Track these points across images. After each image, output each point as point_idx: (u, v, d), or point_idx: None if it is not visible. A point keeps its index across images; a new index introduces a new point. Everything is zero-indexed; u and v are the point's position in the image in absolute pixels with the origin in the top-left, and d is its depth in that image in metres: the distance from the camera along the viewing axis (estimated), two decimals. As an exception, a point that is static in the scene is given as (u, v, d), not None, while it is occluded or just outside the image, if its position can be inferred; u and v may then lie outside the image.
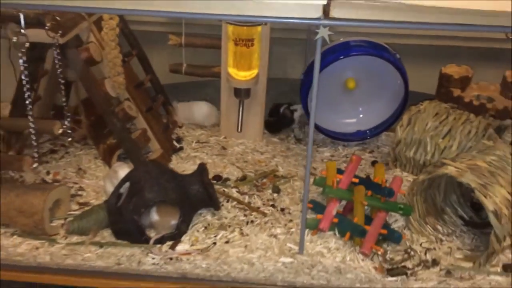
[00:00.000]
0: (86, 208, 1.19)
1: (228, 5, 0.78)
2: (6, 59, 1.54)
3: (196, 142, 1.50)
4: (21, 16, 0.89)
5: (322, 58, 1.37)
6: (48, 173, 1.31)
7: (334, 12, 0.77)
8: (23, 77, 1.01)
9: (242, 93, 1.40)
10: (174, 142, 1.48)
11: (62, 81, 1.13)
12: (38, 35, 0.99)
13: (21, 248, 1.09)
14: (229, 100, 1.47)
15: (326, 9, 0.78)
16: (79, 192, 1.26)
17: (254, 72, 1.37)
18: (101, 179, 1.31)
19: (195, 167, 1.31)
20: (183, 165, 1.39)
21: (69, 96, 1.43)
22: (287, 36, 1.60)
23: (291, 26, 1.54)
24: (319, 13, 0.78)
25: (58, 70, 1.11)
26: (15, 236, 1.11)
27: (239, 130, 1.43)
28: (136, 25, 1.47)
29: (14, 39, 0.94)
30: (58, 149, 1.44)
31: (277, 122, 1.55)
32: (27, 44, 0.97)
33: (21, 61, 0.99)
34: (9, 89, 1.62)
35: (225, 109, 1.50)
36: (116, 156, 1.33)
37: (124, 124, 1.25)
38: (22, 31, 0.93)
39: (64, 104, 1.18)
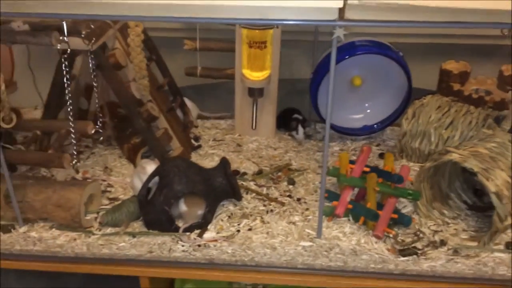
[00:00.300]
0: (116, 203, 1.28)
1: (253, 10, 0.87)
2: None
3: (212, 140, 1.59)
4: (64, 25, 0.99)
5: (329, 58, 1.48)
6: (77, 171, 1.40)
7: (348, 14, 0.86)
8: (66, 82, 1.10)
9: (256, 93, 1.49)
10: (192, 141, 1.57)
11: (95, 85, 1.22)
12: (75, 42, 1.08)
13: (60, 240, 1.18)
14: (243, 100, 1.56)
15: (341, 12, 0.87)
16: (108, 189, 1.35)
17: (267, 73, 1.47)
18: (127, 176, 1.40)
19: (213, 164, 1.41)
20: (202, 161, 1.48)
21: (91, 99, 1.53)
22: (294, 38, 1.69)
23: (299, 28, 1.63)
24: (335, 16, 0.87)
25: (92, 75, 1.19)
26: (53, 229, 1.20)
27: (254, 127, 1.52)
28: (154, 31, 1.56)
29: (58, 46, 1.03)
30: (84, 150, 1.53)
31: (282, 124, 1.64)
32: (68, 51, 1.05)
33: (63, 66, 1.08)
34: (28, 95, 1.71)
35: (239, 108, 1.59)
36: (140, 155, 1.42)
37: (148, 124, 1.34)
38: (65, 39, 1.02)
39: (97, 106, 1.27)
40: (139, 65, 1.26)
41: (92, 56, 1.15)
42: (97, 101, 1.27)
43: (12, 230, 1.19)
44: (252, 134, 1.60)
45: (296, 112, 1.61)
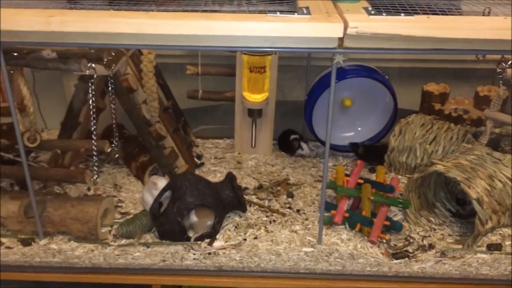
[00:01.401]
0: (128, 217, 1.36)
1: (262, 39, 1.00)
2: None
3: (214, 158, 1.70)
4: (93, 53, 1.09)
5: (322, 81, 1.62)
6: (89, 189, 1.49)
7: (347, 42, 0.99)
8: (91, 105, 1.20)
9: (255, 113, 1.61)
10: (195, 159, 1.67)
11: (113, 107, 1.32)
12: (98, 68, 1.19)
13: (78, 251, 1.26)
14: (242, 120, 1.68)
15: (340, 40, 1.00)
16: (119, 204, 1.44)
17: (265, 95, 1.59)
18: (136, 192, 1.49)
19: (216, 180, 1.52)
20: (206, 178, 1.58)
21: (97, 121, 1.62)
22: (289, 64, 1.83)
23: (294, 55, 1.77)
24: (335, 44, 1.00)
25: (111, 98, 1.30)
26: (71, 241, 1.28)
27: (253, 145, 1.63)
28: (158, 58, 1.67)
29: (87, 72, 1.13)
30: (92, 169, 1.61)
31: (284, 147, 1.73)
32: (95, 76, 1.16)
33: (89, 90, 1.18)
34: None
35: (238, 128, 1.70)
36: (148, 172, 1.52)
37: (158, 143, 1.44)
38: (93, 65, 1.12)
39: (113, 126, 1.37)
40: (151, 88, 1.37)
41: (112, 81, 1.26)
42: (114, 121, 1.36)
43: (32, 243, 1.26)
44: (250, 152, 1.72)
45: (292, 133, 1.73)
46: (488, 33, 0.94)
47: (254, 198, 1.47)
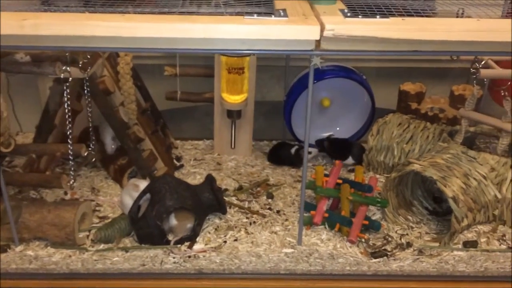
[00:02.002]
0: (106, 221, 1.35)
1: (240, 42, 1.00)
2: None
3: (193, 160, 1.69)
4: (68, 56, 1.08)
5: (301, 82, 1.63)
6: (66, 193, 1.46)
7: (324, 45, 1.00)
8: (66, 109, 1.18)
9: (234, 114, 1.61)
10: (175, 161, 1.66)
11: (89, 110, 1.30)
12: (74, 71, 1.17)
13: (55, 257, 1.24)
14: (221, 121, 1.68)
15: (317, 42, 1.01)
16: (97, 208, 1.42)
17: (244, 96, 1.59)
18: (114, 196, 1.47)
19: (196, 182, 1.51)
20: (185, 180, 1.56)
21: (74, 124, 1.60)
22: (267, 64, 1.83)
23: (272, 55, 1.77)
24: (312, 46, 1.00)
25: (87, 101, 1.28)
26: (48, 247, 1.25)
27: (233, 146, 1.63)
28: (136, 59, 1.65)
29: (62, 75, 1.11)
30: (69, 173, 1.59)
31: (282, 159, 1.67)
32: (70, 79, 1.14)
33: (65, 93, 1.16)
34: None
35: (217, 129, 1.70)
36: (127, 175, 1.50)
37: (136, 145, 1.43)
38: (68, 68, 1.10)
39: (90, 129, 1.35)
40: (128, 91, 1.36)
41: (87, 84, 1.24)
42: (90, 125, 1.34)
43: (8, 249, 1.24)
44: (230, 153, 1.71)
45: (287, 146, 1.67)
46: (462, 35, 0.96)
47: (234, 200, 1.47)
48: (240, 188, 1.53)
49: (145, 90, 1.68)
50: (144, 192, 1.28)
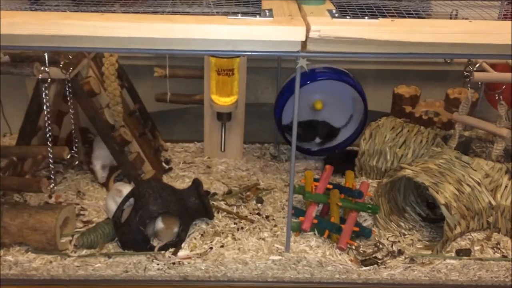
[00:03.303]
0: (90, 225, 1.31)
1: (224, 43, 0.96)
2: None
3: (182, 163, 1.66)
4: (46, 56, 1.04)
5: (292, 83, 1.59)
6: (50, 197, 1.43)
7: (310, 46, 0.96)
8: (45, 110, 1.15)
9: (224, 117, 1.57)
10: (163, 164, 1.63)
11: (72, 112, 1.27)
12: (54, 72, 1.14)
13: (36, 263, 1.20)
14: (212, 124, 1.64)
15: (303, 44, 0.97)
16: (81, 212, 1.38)
17: (234, 98, 1.55)
18: (100, 200, 1.44)
19: (184, 185, 1.48)
20: (174, 183, 1.53)
21: (62, 126, 1.57)
22: (259, 66, 1.80)
23: (264, 56, 1.73)
24: (298, 48, 0.97)
25: (69, 102, 1.25)
26: (29, 253, 1.22)
27: (222, 150, 1.60)
28: (124, 60, 1.62)
29: (40, 76, 1.08)
30: (55, 176, 1.55)
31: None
32: (49, 80, 1.11)
33: (43, 95, 1.13)
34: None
35: (208, 131, 1.67)
36: (113, 178, 1.47)
37: (122, 148, 1.39)
38: (46, 69, 1.07)
39: (73, 131, 1.32)
40: (113, 92, 1.33)
41: (69, 84, 1.21)
42: (73, 127, 1.31)
43: (-13, 255, 1.20)
44: (220, 156, 1.68)
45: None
46: (452, 37, 0.92)
47: (222, 204, 1.43)
48: (229, 192, 1.50)
49: (134, 92, 1.65)
50: (127, 197, 1.25)
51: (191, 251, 1.24)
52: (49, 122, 1.15)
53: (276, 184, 1.54)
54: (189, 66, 1.68)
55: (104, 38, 0.93)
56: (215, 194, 1.49)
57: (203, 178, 1.57)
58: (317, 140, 1.65)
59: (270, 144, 1.78)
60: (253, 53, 0.98)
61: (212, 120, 1.63)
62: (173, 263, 1.20)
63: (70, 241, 1.27)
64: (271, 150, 1.76)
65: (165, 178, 1.56)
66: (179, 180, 1.56)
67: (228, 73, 1.49)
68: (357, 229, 1.27)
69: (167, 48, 0.96)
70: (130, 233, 1.20)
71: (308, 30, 0.94)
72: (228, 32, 0.94)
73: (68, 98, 1.23)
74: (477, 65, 1.25)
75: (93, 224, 1.31)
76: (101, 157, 1.47)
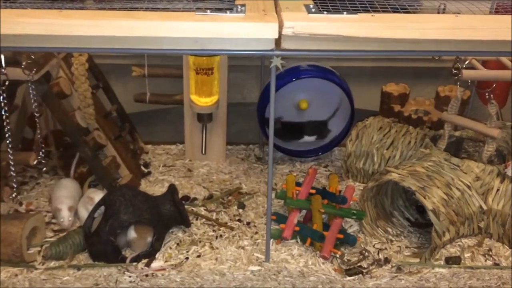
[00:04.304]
0: (61, 234, 1.24)
1: (191, 41, 0.89)
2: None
3: (163, 166, 1.59)
4: (1, 56, 0.97)
5: (275, 82, 1.52)
6: (20, 204, 1.36)
7: (285, 44, 0.90)
8: (4, 115, 1.08)
9: (204, 118, 1.50)
10: (142, 167, 1.56)
11: (37, 115, 1.20)
12: (15, 73, 1.07)
13: (1, 276, 1.13)
14: (192, 125, 1.57)
15: (277, 42, 0.90)
16: (53, 220, 1.31)
17: (215, 98, 1.48)
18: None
19: (163, 190, 1.41)
20: (152, 188, 1.47)
21: (36, 129, 1.50)
22: (243, 64, 1.73)
23: (243, 55, 1.67)
24: (272, 46, 0.90)
25: (34, 105, 1.18)
26: (-7, 265, 1.15)
27: (203, 152, 1.53)
28: (101, 58, 1.55)
29: (-5, 78, 1.01)
30: (28, 181, 1.48)
31: None
32: (6, 82, 1.04)
33: (1, 98, 1.06)
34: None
35: (188, 133, 1.60)
36: (87, 184, 1.40)
37: (94, 152, 1.32)
38: (3, 70, 1.00)
39: (39, 136, 1.25)
40: (84, 93, 1.26)
41: (33, 86, 1.13)
42: (38, 131, 1.24)
43: (-51, 268, 1.14)
44: (202, 159, 1.61)
45: None
46: (437, 33, 0.85)
47: (202, 210, 1.37)
48: (210, 197, 1.43)
49: (111, 92, 1.58)
50: (98, 205, 1.18)
51: (166, 261, 1.17)
52: (9, 126, 1.07)
53: (260, 188, 1.48)
54: (168, 65, 1.61)
55: (61, 37, 0.86)
56: (195, 199, 1.42)
57: (183, 182, 1.50)
58: (307, 138, 1.58)
59: (255, 145, 1.72)
60: (223, 52, 0.91)
61: (192, 121, 1.56)
62: (146, 275, 1.13)
63: (39, 251, 1.20)
64: (256, 151, 1.69)
65: (144, 183, 1.50)
66: (158, 184, 1.49)
67: (207, 72, 1.42)
68: (341, 236, 1.20)
69: (130, 47, 0.89)
70: (99, 244, 1.13)
71: (281, 26, 0.87)
72: (195, 30, 0.87)
73: (32, 101, 1.16)
74: (466, 62, 1.18)
75: (64, 234, 1.24)
76: (65, 199, 1.28)
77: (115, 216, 1.13)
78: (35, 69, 1.10)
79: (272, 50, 0.91)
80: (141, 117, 1.73)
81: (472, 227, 1.21)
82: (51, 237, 1.25)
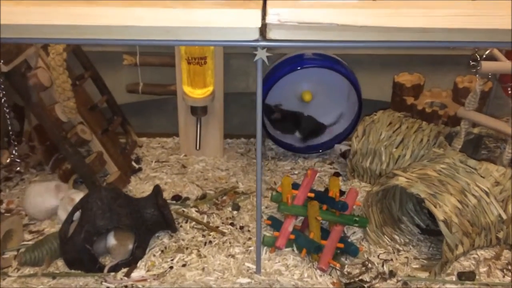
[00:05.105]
0: (41, 237, 1.16)
1: (163, 31, 0.78)
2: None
3: (155, 162, 1.49)
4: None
5: (277, 69, 1.40)
6: (1, 202, 1.28)
7: (271, 34, 0.77)
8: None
9: (198, 111, 1.39)
10: (133, 163, 1.46)
11: (6, 110, 1.11)
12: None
13: (-30, 284, 1.06)
14: (187, 117, 1.46)
15: (263, 31, 0.78)
16: (32, 221, 1.23)
17: (209, 89, 1.37)
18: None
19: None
20: (142, 186, 1.37)
21: (24, 120, 1.41)
22: (247, 51, 1.59)
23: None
24: (256, 36, 0.77)
25: (3, 99, 1.08)
26: (-37, 272, 1.08)
27: (197, 148, 1.42)
28: (89, 46, 1.45)
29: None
30: (13, 176, 1.40)
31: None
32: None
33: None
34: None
35: (183, 126, 1.49)
36: (72, 181, 1.30)
37: (76, 149, 1.23)
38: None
39: (10, 132, 1.16)
40: (62, 86, 1.15)
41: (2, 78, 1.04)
42: (10, 128, 1.15)
43: None
44: (198, 154, 1.50)
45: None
46: (448, 20, 0.71)
47: (193, 211, 1.26)
48: (203, 197, 1.32)
49: (101, 82, 1.48)
50: (76, 208, 1.09)
51: (148, 271, 1.08)
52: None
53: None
54: (162, 52, 1.49)
55: (11, 27, 0.75)
56: (187, 199, 1.32)
57: (176, 179, 1.40)
58: (297, 134, 1.47)
59: (257, 138, 1.60)
60: (199, 43, 0.79)
61: (187, 113, 1.45)
62: (125, 286, 1.04)
63: (15, 256, 1.12)
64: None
65: (133, 180, 1.40)
66: (149, 182, 1.39)
67: (200, 62, 1.30)
68: (342, 245, 1.09)
69: (91, 37, 0.77)
70: (74, 252, 1.04)
71: (265, 14, 0.75)
72: (165, 18, 0.75)
73: (1, 95, 1.06)
74: (486, 52, 1.03)
75: (42, 237, 1.15)
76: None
77: (91, 222, 1.03)
78: (2, 61, 1.00)
79: (256, 40, 0.78)
80: (134, 108, 1.63)
81: (490, 238, 1.08)
82: (29, 241, 1.16)
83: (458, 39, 0.75)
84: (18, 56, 1.11)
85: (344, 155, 1.41)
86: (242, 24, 0.74)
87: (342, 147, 1.41)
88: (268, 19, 0.74)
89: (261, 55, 0.79)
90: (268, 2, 0.76)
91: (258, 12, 0.73)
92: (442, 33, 0.74)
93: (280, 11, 0.73)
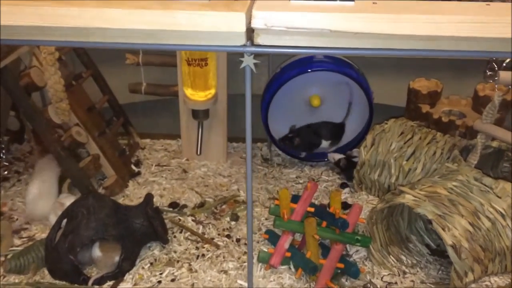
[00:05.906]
0: (30, 243, 1.12)
1: (144, 34, 0.71)
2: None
3: (156, 166, 1.43)
4: None
5: (283, 73, 1.32)
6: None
7: (259, 39, 0.70)
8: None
9: (200, 115, 1.33)
10: (132, 166, 1.41)
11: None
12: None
13: (-48, 291, 1.02)
14: (189, 120, 1.40)
15: (251, 36, 0.71)
16: (26, 225, 1.19)
17: (211, 92, 1.31)
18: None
19: (153, 193, 1.25)
20: (140, 190, 1.32)
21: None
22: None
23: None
24: (242, 41, 0.70)
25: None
26: None
27: (198, 152, 1.36)
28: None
29: None
30: (11, 176, 1.37)
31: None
32: None
33: None
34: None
35: (185, 130, 1.43)
36: (66, 185, 1.26)
37: (69, 152, 1.18)
38: None
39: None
40: (54, 87, 1.11)
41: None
42: (0, 129, 1.11)
43: None
44: (200, 159, 1.44)
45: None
46: (459, 28, 0.63)
47: (189, 221, 1.21)
48: (201, 205, 1.27)
49: (102, 81, 1.43)
50: (62, 216, 1.04)
51: (135, 284, 1.02)
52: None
53: (259, 196, 1.30)
54: (164, 52, 1.44)
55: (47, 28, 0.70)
56: (184, 206, 1.26)
57: (175, 185, 1.35)
58: (323, 144, 1.38)
59: (264, 143, 1.53)
60: (182, 48, 0.72)
61: (189, 116, 1.39)
62: (110, 300, 0.99)
63: (3, 261, 1.08)
64: (263, 150, 1.51)
65: (131, 184, 1.35)
66: (147, 187, 1.34)
67: (200, 64, 1.24)
68: (342, 265, 1.01)
69: (63, 39, 0.72)
70: (58, 262, 0.99)
71: (251, 18, 0.67)
72: (145, 21, 0.69)
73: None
74: (507, 61, 0.93)
75: (31, 243, 1.11)
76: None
77: (75, 232, 0.98)
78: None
79: (244, 46, 0.71)
80: (138, 108, 1.58)
81: (504, 264, 0.98)
82: (18, 246, 1.13)
83: (469, 49, 0.66)
84: (10, 55, 1.07)
85: (338, 164, 1.32)
86: (226, 28, 0.67)
87: (336, 155, 1.32)
88: (254, 23, 0.67)
89: (248, 62, 0.72)
90: (255, 4, 0.69)
91: (243, 16, 0.66)
92: (450, 42, 0.65)
93: (267, 14, 0.66)
